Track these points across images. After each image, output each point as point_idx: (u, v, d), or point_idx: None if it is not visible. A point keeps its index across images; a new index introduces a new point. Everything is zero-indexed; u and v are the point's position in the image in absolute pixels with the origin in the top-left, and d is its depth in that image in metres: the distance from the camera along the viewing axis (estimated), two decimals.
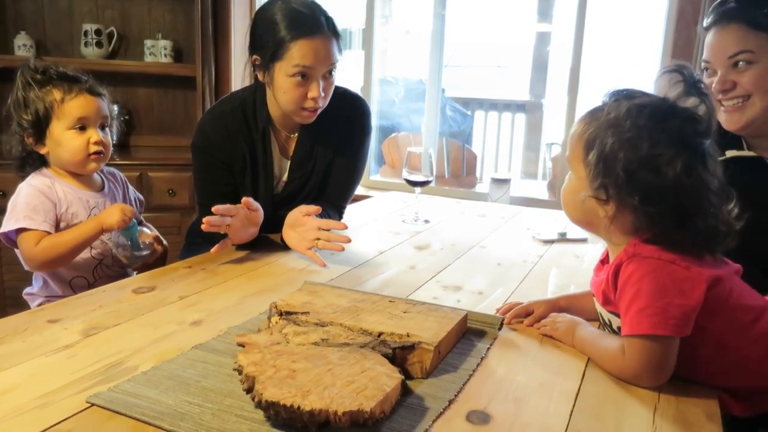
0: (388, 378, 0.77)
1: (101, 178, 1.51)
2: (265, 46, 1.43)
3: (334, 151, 1.63)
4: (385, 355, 0.84)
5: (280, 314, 0.98)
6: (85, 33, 2.98)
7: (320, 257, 1.39)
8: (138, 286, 1.22)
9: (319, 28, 1.42)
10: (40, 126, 1.37)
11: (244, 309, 1.12)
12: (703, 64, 1.29)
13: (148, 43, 3.06)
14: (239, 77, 1.71)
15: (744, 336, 0.90)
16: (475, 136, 5.37)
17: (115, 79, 2.81)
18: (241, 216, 1.38)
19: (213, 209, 1.31)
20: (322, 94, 1.46)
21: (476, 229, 1.85)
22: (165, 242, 1.51)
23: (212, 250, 1.38)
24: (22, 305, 1.39)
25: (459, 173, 4.32)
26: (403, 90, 5.19)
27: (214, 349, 0.93)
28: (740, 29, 1.20)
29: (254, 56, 1.48)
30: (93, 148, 1.38)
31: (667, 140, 0.85)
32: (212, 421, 0.73)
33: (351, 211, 1.87)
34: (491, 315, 1.10)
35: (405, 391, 0.81)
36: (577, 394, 0.86)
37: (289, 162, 1.62)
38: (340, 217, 1.68)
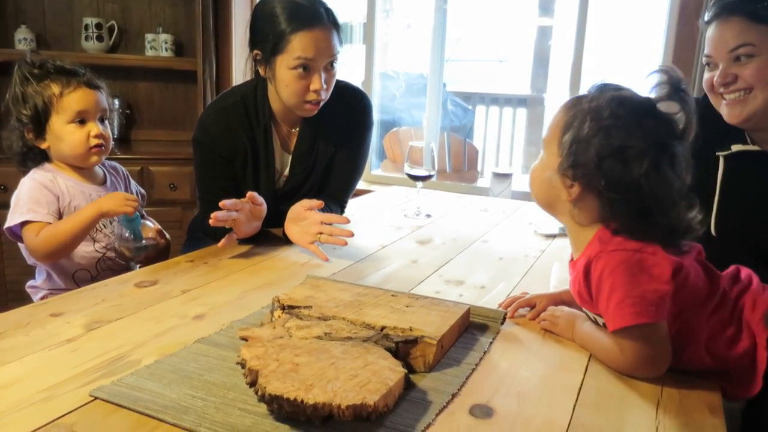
0: (391, 372, 0.77)
1: (103, 171, 1.51)
2: (266, 39, 1.43)
3: (335, 145, 1.63)
4: (388, 349, 0.84)
5: (283, 308, 0.98)
6: (86, 27, 2.97)
7: (323, 251, 1.40)
8: (140, 280, 1.23)
9: (319, 19, 1.41)
10: (40, 121, 1.36)
11: (247, 303, 1.12)
12: (704, 59, 1.28)
13: (148, 37, 3.05)
14: (240, 71, 1.71)
15: (701, 315, 0.92)
16: (477, 130, 5.35)
17: (116, 73, 2.80)
18: (245, 210, 1.39)
19: (220, 204, 1.31)
20: (324, 86, 1.46)
21: (478, 224, 1.85)
22: (168, 236, 1.50)
23: (219, 243, 1.38)
24: (24, 299, 1.39)
25: (460, 168, 4.31)
26: (404, 84, 5.17)
27: (216, 343, 0.93)
28: (741, 22, 1.20)
29: (255, 51, 1.48)
30: (93, 142, 1.38)
31: (640, 135, 0.88)
32: (216, 415, 0.73)
33: (353, 205, 1.87)
34: (494, 309, 1.10)
35: (408, 385, 0.81)
36: (580, 389, 0.86)
37: (290, 157, 1.62)
38: (342, 211, 1.68)
